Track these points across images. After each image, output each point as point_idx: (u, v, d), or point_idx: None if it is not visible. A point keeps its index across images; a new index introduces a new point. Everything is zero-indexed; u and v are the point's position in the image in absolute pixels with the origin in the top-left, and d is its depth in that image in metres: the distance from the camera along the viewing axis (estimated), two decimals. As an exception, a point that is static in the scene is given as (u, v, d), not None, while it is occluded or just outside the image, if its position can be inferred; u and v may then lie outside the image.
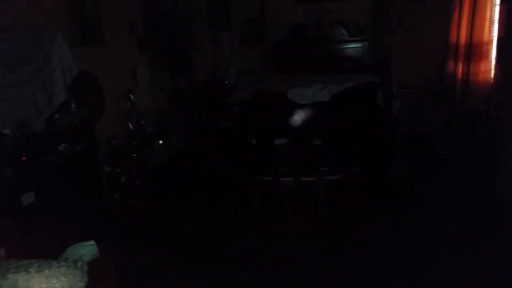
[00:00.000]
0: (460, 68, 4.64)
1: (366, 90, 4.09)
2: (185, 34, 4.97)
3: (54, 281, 1.54)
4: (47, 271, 1.56)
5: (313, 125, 3.57)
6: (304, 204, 3.51)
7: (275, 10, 5.70)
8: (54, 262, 1.63)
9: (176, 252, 3.05)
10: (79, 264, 1.70)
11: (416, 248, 2.90)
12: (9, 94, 2.76)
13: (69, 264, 1.65)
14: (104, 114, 3.45)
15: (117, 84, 3.85)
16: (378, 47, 4.91)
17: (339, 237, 3.16)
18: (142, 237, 3.29)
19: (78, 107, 3.14)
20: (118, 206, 3.59)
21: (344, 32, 5.42)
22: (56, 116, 3.00)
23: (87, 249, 1.84)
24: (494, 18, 4.13)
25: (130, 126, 3.95)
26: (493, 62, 4.21)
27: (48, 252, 1.80)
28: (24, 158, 2.59)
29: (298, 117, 3.63)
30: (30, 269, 1.55)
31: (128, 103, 3.95)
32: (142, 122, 4.06)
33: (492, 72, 4.25)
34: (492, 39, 4.19)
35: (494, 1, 4.11)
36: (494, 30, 4.16)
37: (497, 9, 4.06)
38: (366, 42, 5.38)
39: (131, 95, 3.96)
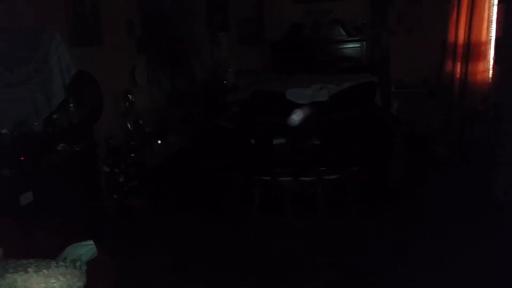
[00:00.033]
0: (458, 68, 4.65)
1: (365, 90, 4.10)
2: (184, 34, 4.97)
3: (53, 281, 1.54)
4: (45, 271, 1.56)
5: (312, 125, 3.57)
6: (303, 203, 3.51)
7: (273, 10, 5.71)
8: (52, 262, 1.63)
9: (174, 252, 3.04)
10: (78, 263, 1.70)
11: (415, 248, 2.90)
12: (8, 94, 2.75)
13: (67, 264, 1.65)
14: (102, 114, 3.45)
15: (115, 84, 3.85)
16: (377, 47, 4.91)
17: (338, 236, 3.16)
18: (141, 237, 3.29)
19: (77, 107, 3.14)
20: (116, 206, 3.58)
21: (343, 32, 5.43)
22: (55, 116, 3.00)
23: (86, 249, 1.85)
24: (492, 18, 4.14)
25: (129, 126, 3.94)
26: (491, 62, 4.22)
27: (47, 252, 1.80)
28: (22, 158, 2.59)
29: (297, 117, 3.64)
30: (29, 269, 1.55)
31: (127, 103, 3.94)
32: (140, 122, 4.06)
33: (490, 72, 4.26)
34: (490, 39, 4.20)
35: (492, 1, 4.12)
36: (492, 30, 4.16)
37: (495, 9, 4.07)
38: (365, 42, 5.40)
39: (129, 95, 3.96)
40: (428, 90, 5.24)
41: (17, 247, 1.85)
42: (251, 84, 4.97)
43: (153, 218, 3.62)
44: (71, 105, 3.11)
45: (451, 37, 4.80)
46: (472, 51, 4.38)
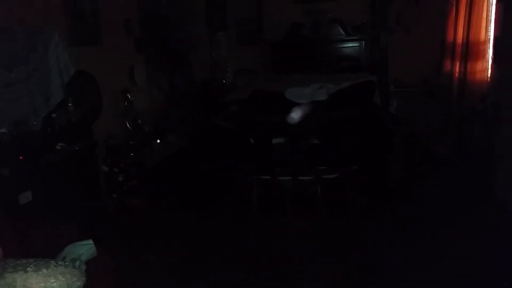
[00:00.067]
0: (457, 67, 4.66)
1: (364, 89, 4.10)
2: (182, 34, 4.97)
3: (52, 280, 1.54)
4: (45, 271, 1.56)
5: (311, 125, 3.57)
6: (302, 203, 3.51)
7: (273, 9, 5.70)
8: (52, 262, 1.63)
9: (174, 252, 3.04)
10: (77, 263, 1.70)
11: (415, 248, 2.90)
12: (6, 93, 2.75)
13: (67, 263, 1.65)
14: (101, 113, 3.44)
15: (114, 84, 3.85)
16: (375, 46, 4.91)
17: (337, 236, 3.16)
18: (140, 236, 3.29)
19: (76, 106, 3.14)
20: (115, 206, 3.58)
21: (342, 31, 5.43)
22: (54, 115, 3.00)
23: (85, 249, 1.85)
24: (491, 18, 4.14)
25: (128, 125, 3.94)
26: (490, 61, 4.23)
27: (46, 251, 1.80)
28: (21, 158, 2.59)
29: (296, 117, 3.63)
30: (28, 269, 1.55)
31: (126, 102, 3.94)
32: (139, 121, 4.06)
33: (489, 71, 4.27)
34: (489, 38, 4.21)
35: (490, 1, 4.13)
36: (490, 30, 4.17)
37: (493, 8, 4.08)
38: (364, 42, 5.39)
39: (128, 95, 3.96)
40: (427, 90, 5.25)
41: (16, 246, 1.85)
42: (250, 84, 4.97)
43: (152, 217, 3.62)
44: (70, 104, 3.11)
45: (449, 37, 4.80)
46: (471, 50, 4.38)
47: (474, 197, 3.55)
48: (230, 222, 3.48)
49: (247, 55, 5.68)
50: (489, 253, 2.74)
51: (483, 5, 4.18)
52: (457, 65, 4.64)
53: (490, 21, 4.15)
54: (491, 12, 4.13)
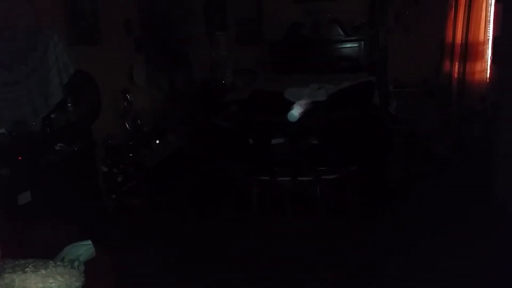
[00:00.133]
0: (456, 68, 4.66)
1: (363, 90, 4.10)
2: (182, 34, 4.97)
3: (51, 281, 1.54)
4: (43, 271, 1.56)
5: (310, 125, 3.57)
6: (301, 203, 3.51)
7: (272, 9, 5.70)
8: (50, 262, 1.63)
9: (173, 252, 3.04)
10: (76, 263, 1.70)
11: (414, 248, 2.90)
12: (6, 93, 2.75)
13: (65, 264, 1.65)
14: (100, 113, 3.44)
15: (113, 84, 3.85)
16: (375, 46, 4.92)
17: (336, 236, 3.16)
18: (139, 237, 3.29)
19: (75, 106, 3.14)
20: (115, 206, 3.58)
21: (341, 31, 5.42)
22: (53, 115, 3.00)
23: (84, 249, 1.85)
24: (490, 18, 4.14)
25: (127, 125, 3.94)
26: (489, 61, 4.23)
27: (45, 251, 1.80)
28: (20, 158, 2.59)
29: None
30: (27, 269, 1.55)
31: (125, 102, 3.94)
32: (138, 121, 4.06)
33: (488, 71, 4.27)
34: (488, 38, 4.21)
35: (489, 1, 4.13)
36: (489, 30, 4.17)
37: (492, 9, 4.08)
38: (363, 42, 5.39)
39: (127, 95, 3.96)
40: (426, 90, 5.25)
41: (15, 247, 1.85)
42: (249, 84, 4.97)
43: (151, 218, 3.62)
44: (69, 104, 3.11)
45: (449, 37, 4.80)
46: (470, 50, 4.39)
47: (473, 197, 3.55)
48: (230, 222, 3.48)
49: (247, 55, 5.68)
50: (488, 253, 2.74)
51: (482, 6, 4.18)
52: (456, 66, 4.64)
53: (489, 22, 4.15)
54: (490, 12, 4.13)
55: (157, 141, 4.14)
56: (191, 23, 5.19)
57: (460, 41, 4.53)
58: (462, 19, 4.45)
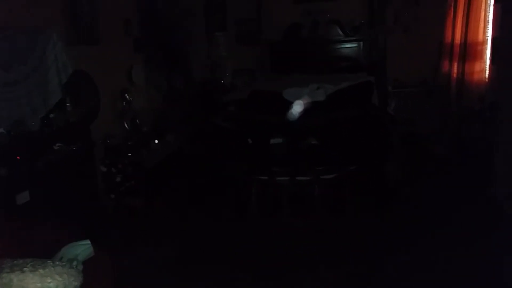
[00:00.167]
0: (455, 68, 4.66)
1: (362, 90, 4.10)
2: (181, 34, 4.97)
3: (49, 281, 1.54)
4: (41, 271, 1.56)
5: (309, 125, 3.57)
6: (300, 203, 3.51)
7: (272, 9, 5.70)
8: (49, 262, 1.63)
9: (172, 252, 3.04)
10: (74, 263, 1.70)
11: (414, 248, 2.90)
12: (4, 93, 2.75)
13: (64, 264, 1.65)
14: (99, 113, 3.44)
15: (112, 84, 3.85)
16: (374, 47, 4.92)
17: (335, 236, 3.16)
18: (138, 236, 3.28)
19: (74, 106, 3.13)
20: (113, 206, 3.58)
21: (340, 32, 5.43)
22: (51, 115, 3.00)
23: (82, 249, 1.85)
24: (489, 18, 4.15)
25: (126, 125, 3.94)
26: (488, 62, 4.24)
27: (43, 251, 1.80)
28: (19, 158, 2.59)
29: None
30: (25, 269, 1.55)
31: (124, 102, 3.94)
32: (137, 121, 4.06)
33: (487, 71, 4.27)
34: (487, 39, 4.21)
35: (488, 2, 4.13)
36: (488, 30, 4.18)
37: (491, 9, 4.09)
38: (362, 42, 5.39)
39: (126, 95, 3.96)
40: (425, 90, 5.25)
41: (13, 246, 1.84)
42: (248, 84, 4.97)
43: (150, 218, 3.62)
44: (68, 104, 3.11)
45: (448, 37, 4.80)
46: (468, 51, 4.39)
47: (472, 197, 3.55)
48: (228, 222, 3.48)
49: (246, 55, 5.68)
50: (488, 253, 2.74)
51: (481, 6, 4.19)
52: (455, 66, 4.64)
53: (488, 22, 4.16)
54: (489, 13, 4.14)
55: (156, 141, 4.14)
56: (191, 23, 5.19)
57: (459, 41, 4.53)
58: (461, 20, 4.46)
